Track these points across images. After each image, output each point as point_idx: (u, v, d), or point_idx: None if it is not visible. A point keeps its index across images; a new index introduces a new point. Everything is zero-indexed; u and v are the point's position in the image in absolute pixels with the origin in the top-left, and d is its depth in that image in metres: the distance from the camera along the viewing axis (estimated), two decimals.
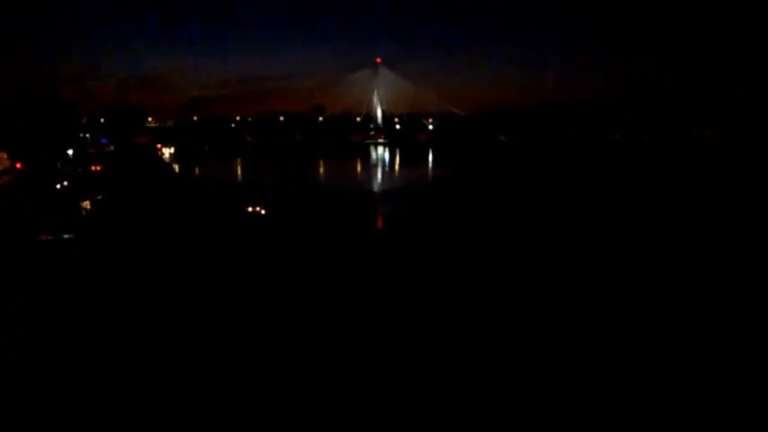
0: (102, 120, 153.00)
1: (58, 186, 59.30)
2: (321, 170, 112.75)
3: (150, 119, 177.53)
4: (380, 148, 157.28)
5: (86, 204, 54.31)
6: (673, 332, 25.23)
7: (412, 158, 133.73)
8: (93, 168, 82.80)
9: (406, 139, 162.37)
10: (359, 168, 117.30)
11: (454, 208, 60.56)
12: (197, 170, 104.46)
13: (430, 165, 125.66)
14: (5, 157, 76.22)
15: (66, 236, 41.46)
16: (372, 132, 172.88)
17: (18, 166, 71.11)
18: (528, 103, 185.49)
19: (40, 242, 40.14)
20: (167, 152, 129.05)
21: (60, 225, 43.16)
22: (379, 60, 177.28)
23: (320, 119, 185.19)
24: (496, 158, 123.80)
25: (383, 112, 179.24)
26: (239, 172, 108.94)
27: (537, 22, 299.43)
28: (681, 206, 60.05)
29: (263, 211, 54.49)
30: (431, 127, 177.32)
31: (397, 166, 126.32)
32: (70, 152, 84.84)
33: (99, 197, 56.81)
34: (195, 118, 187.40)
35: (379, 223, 57.39)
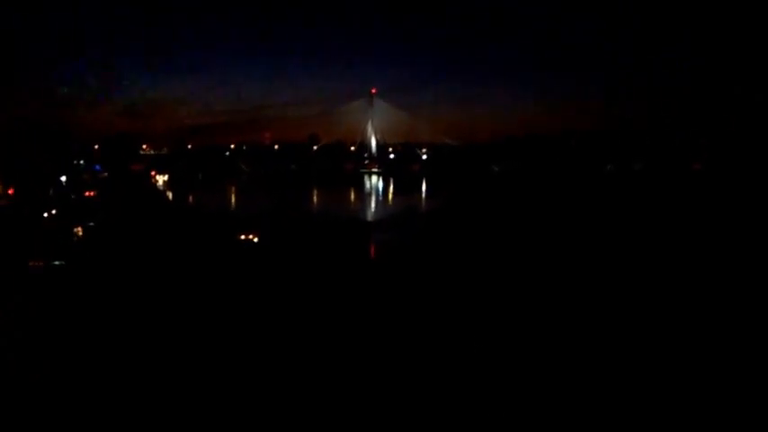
0: (96, 147, 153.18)
1: (46, 215, 58.29)
2: (315, 199, 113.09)
3: (145, 146, 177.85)
4: (374, 178, 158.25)
5: (78, 231, 54.11)
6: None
7: (405, 188, 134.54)
8: (87, 194, 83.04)
9: (399, 169, 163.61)
10: (353, 197, 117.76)
11: (447, 236, 60.84)
12: (190, 198, 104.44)
13: (423, 194, 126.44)
14: None
15: (56, 262, 41.25)
16: (366, 162, 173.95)
17: (10, 192, 70.96)
18: (520, 134, 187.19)
19: (31, 269, 39.88)
20: (161, 180, 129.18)
21: (51, 251, 42.97)
22: (374, 91, 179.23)
23: (315, 148, 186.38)
24: (489, 188, 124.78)
25: (377, 141, 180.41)
26: (233, 200, 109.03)
27: (530, 55, 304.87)
28: (670, 231, 60.85)
29: (255, 239, 54.43)
30: (424, 157, 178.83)
31: (390, 196, 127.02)
32: (63, 179, 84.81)
33: (91, 224, 56.62)
34: (190, 146, 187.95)
35: (372, 252, 57.42)
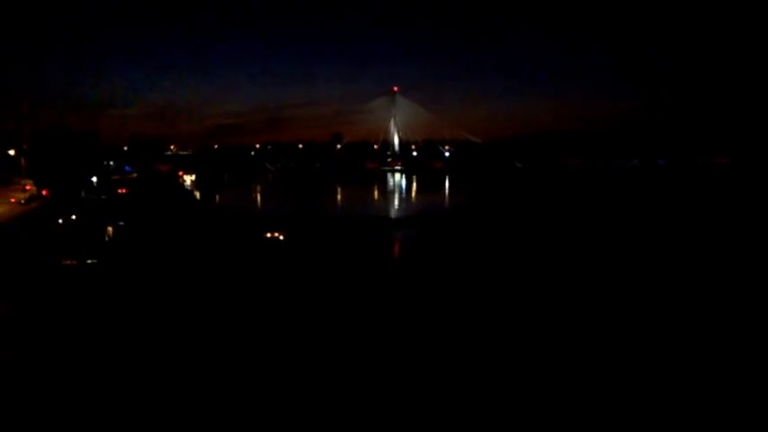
0: (125, 148, 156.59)
1: (61, 220, 58.36)
2: (339, 197, 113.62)
3: (172, 147, 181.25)
4: (397, 175, 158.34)
5: (109, 230, 55.40)
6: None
7: (428, 185, 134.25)
8: (120, 191, 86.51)
9: (422, 166, 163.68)
10: (376, 195, 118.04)
11: (470, 233, 60.72)
12: (217, 197, 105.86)
13: (446, 191, 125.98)
14: (32, 184, 78.35)
15: (89, 261, 42.34)
16: (389, 159, 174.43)
17: (44, 193, 72.91)
18: (544, 130, 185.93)
19: (64, 267, 40.96)
20: (188, 179, 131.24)
21: (83, 250, 44.07)
22: (396, 89, 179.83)
23: (338, 146, 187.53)
24: (512, 185, 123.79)
25: (400, 139, 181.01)
26: (259, 199, 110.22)
27: (552, 51, 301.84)
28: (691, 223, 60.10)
29: (281, 237, 55.13)
30: (447, 154, 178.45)
31: (413, 193, 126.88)
32: (94, 179, 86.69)
33: (121, 223, 57.83)
34: (216, 146, 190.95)
35: (396, 249, 57.60)
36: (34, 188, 75.83)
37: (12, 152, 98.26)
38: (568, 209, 78.96)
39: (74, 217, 57.60)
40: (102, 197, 78.76)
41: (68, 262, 41.78)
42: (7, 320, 29.33)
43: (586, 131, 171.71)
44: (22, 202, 66.08)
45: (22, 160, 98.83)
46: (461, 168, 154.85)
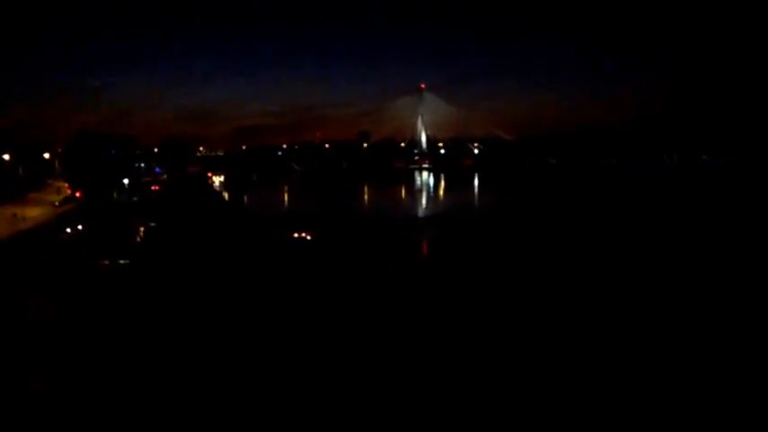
0: (156, 150, 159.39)
1: (107, 218, 59.21)
2: (366, 197, 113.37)
3: (202, 148, 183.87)
4: (425, 174, 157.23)
5: (141, 231, 56.11)
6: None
7: (457, 184, 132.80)
8: (153, 188, 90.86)
9: (450, 164, 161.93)
10: (403, 194, 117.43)
11: (501, 234, 59.61)
12: (245, 198, 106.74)
13: (476, 190, 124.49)
14: (66, 186, 79.96)
15: (122, 261, 42.87)
16: (417, 158, 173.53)
17: (78, 195, 74.26)
18: (578, 125, 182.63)
19: (99, 267, 41.51)
20: (218, 180, 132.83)
21: (116, 251, 44.64)
22: (423, 86, 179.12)
23: (365, 145, 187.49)
24: (547, 182, 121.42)
25: (428, 137, 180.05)
26: (286, 199, 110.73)
27: (582, 47, 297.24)
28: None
29: (308, 237, 55.04)
30: (476, 151, 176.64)
31: (441, 192, 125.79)
32: (126, 181, 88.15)
33: (152, 224, 58.54)
34: (244, 147, 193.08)
35: (425, 249, 57.00)
36: (68, 190, 77.33)
37: (47, 155, 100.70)
38: (606, 210, 76.87)
39: (107, 219, 58.50)
40: (134, 199, 79.96)
41: (102, 262, 42.36)
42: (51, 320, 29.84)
43: (622, 129, 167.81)
44: (57, 204, 67.30)
45: (57, 163, 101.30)
46: (491, 166, 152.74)
